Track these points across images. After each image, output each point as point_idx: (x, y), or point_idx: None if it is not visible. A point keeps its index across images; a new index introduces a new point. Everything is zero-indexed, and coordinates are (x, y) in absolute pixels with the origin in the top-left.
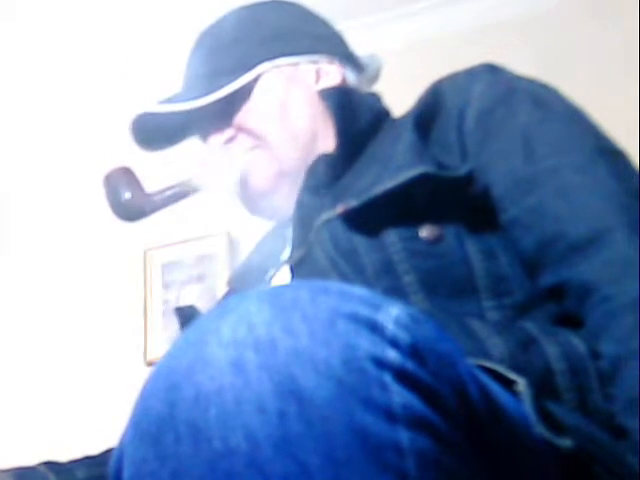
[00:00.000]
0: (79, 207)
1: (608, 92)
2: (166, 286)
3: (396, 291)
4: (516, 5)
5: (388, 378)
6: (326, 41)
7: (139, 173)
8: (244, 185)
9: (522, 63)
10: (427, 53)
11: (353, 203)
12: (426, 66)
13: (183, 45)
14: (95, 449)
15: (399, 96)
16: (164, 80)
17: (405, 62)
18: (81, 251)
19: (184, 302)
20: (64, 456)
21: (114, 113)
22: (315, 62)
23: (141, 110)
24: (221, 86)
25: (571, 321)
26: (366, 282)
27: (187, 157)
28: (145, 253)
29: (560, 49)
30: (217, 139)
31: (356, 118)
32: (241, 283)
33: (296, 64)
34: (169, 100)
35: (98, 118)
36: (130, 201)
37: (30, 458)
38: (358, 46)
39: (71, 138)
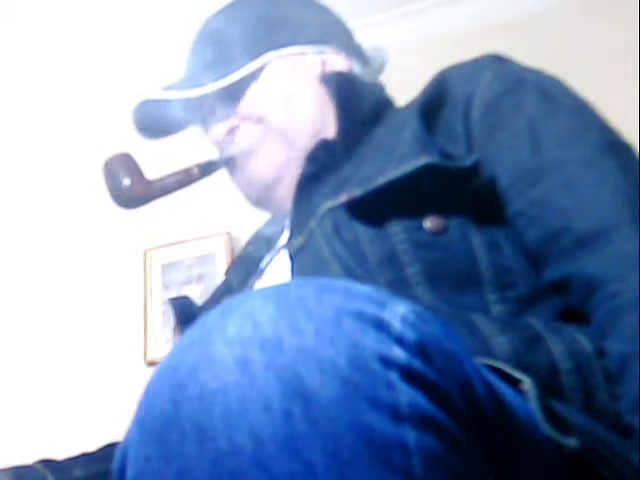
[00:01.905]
0: (79, 207)
1: (608, 92)
2: (166, 286)
3: (399, 282)
4: (516, 5)
5: (394, 377)
6: (333, 32)
7: (140, 160)
8: (247, 175)
9: (521, 62)
10: (427, 53)
11: (357, 192)
12: (426, 66)
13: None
14: (93, 447)
15: (399, 95)
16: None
17: (405, 62)
18: (81, 251)
19: None
20: (64, 456)
21: (116, 105)
22: (321, 52)
23: (143, 97)
24: (226, 74)
25: (576, 316)
26: (368, 273)
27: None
28: (145, 253)
29: (560, 49)
30: (220, 128)
31: (358, 103)
32: (237, 271)
33: (302, 54)
34: (172, 87)
35: (99, 112)
36: (129, 188)
37: (30, 458)
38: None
39: (73, 135)
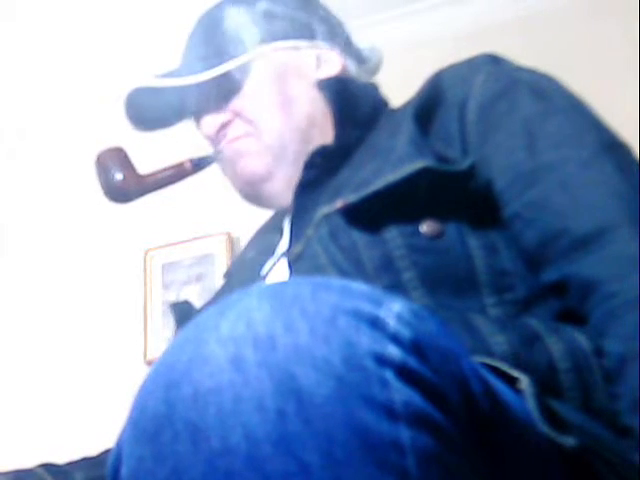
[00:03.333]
0: (78, 207)
1: (608, 92)
2: (166, 286)
3: (396, 287)
4: (516, 5)
5: (389, 375)
6: (328, 28)
7: (132, 155)
8: (236, 172)
9: (522, 63)
10: (427, 53)
11: (352, 198)
12: (426, 66)
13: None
14: (95, 449)
15: (399, 96)
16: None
17: (405, 62)
18: (81, 251)
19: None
20: (64, 456)
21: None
22: (316, 48)
23: (136, 85)
24: (218, 64)
25: (574, 317)
26: (366, 278)
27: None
28: (145, 253)
29: (560, 49)
30: (211, 122)
31: (354, 108)
32: (237, 276)
33: (297, 48)
34: (164, 75)
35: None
36: (122, 182)
37: (30, 458)
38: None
39: (73, 133)
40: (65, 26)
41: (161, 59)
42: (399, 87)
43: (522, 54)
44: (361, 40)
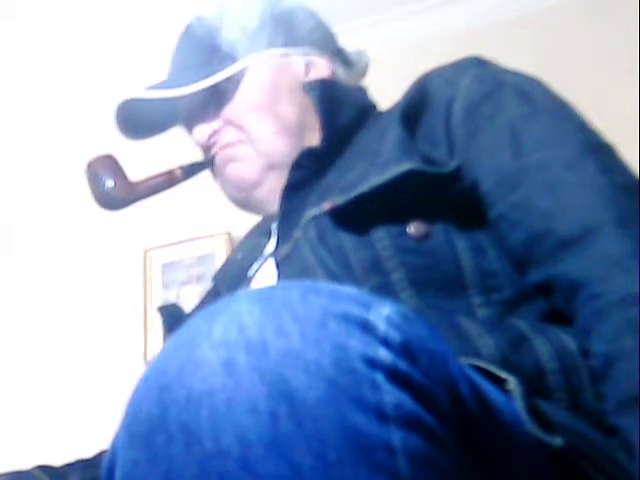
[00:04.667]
0: (78, 207)
1: (608, 92)
2: (166, 286)
3: (385, 288)
4: (516, 5)
5: (379, 378)
6: (317, 34)
7: (124, 162)
8: (227, 178)
9: (522, 63)
10: (427, 53)
11: (340, 200)
12: (425, 66)
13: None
14: (94, 449)
15: (398, 96)
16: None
17: (404, 62)
18: (81, 251)
19: (183, 302)
20: (64, 455)
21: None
22: (305, 54)
23: (126, 96)
24: (210, 74)
25: (560, 317)
26: (354, 279)
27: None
28: (145, 253)
29: (560, 49)
30: (203, 129)
31: (340, 110)
32: (224, 278)
33: (286, 55)
34: (155, 87)
35: (97, 115)
36: (113, 190)
37: (30, 458)
38: (358, 47)
39: (72, 136)
40: (66, 30)
41: (157, 66)
42: (399, 87)
43: (521, 54)
44: (361, 41)
